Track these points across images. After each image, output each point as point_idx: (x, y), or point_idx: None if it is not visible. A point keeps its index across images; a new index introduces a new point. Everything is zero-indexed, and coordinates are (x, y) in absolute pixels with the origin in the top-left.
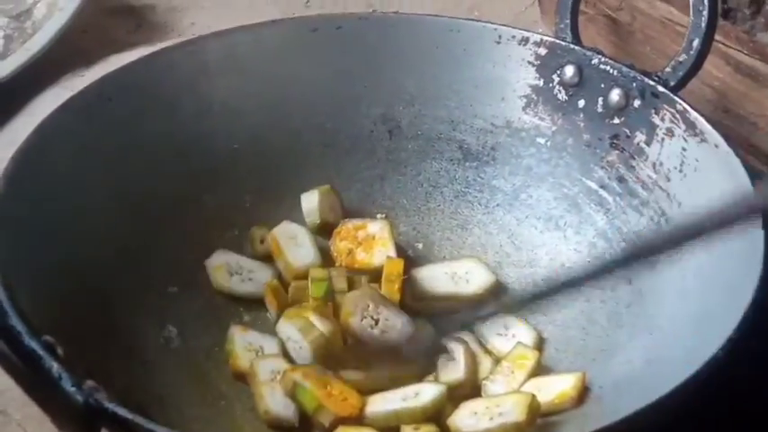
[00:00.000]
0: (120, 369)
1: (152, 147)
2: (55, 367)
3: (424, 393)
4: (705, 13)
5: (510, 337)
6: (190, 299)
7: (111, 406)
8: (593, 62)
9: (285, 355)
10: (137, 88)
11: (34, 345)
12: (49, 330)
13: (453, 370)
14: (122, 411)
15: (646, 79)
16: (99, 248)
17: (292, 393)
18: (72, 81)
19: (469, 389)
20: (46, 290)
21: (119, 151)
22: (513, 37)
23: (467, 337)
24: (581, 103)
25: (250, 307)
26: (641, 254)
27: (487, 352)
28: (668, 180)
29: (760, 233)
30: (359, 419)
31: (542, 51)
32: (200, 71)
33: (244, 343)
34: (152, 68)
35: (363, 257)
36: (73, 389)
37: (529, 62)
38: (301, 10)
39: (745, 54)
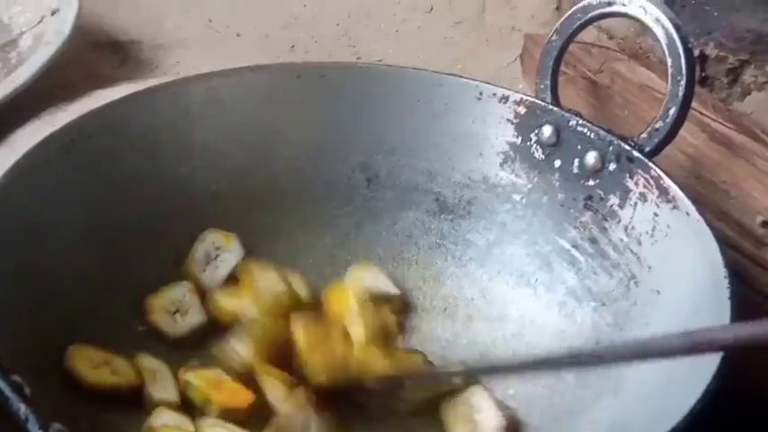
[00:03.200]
0: (87, 410)
1: (131, 186)
2: (22, 409)
3: None
4: (683, 82)
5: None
6: (158, 339)
7: None
8: (570, 124)
9: None
10: (117, 127)
11: (2, 385)
12: (17, 369)
13: None
14: None
15: (622, 144)
16: (71, 287)
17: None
18: (54, 115)
19: None
20: (15, 328)
21: (97, 189)
22: (494, 94)
23: None
24: (557, 162)
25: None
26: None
27: None
28: (639, 244)
29: (727, 303)
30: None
31: (521, 110)
32: (183, 112)
33: None
34: (134, 108)
35: None
36: None
37: (508, 120)
38: (286, 54)
39: (721, 123)
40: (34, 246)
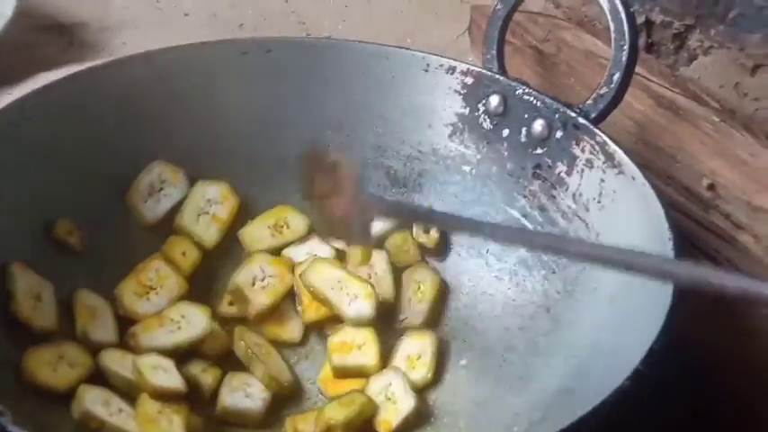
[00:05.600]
0: (33, 396)
1: (75, 166)
2: None
3: None
4: (626, 47)
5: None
6: None
7: (14, 430)
8: (517, 92)
9: None
10: (60, 107)
11: None
12: None
13: None
14: None
15: (567, 111)
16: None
17: None
18: None
19: None
20: None
21: (39, 170)
22: (441, 66)
23: None
24: (505, 132)
25: None
26: None
27: None
28: (587, 210)
29: (670, 256)
30: None
31: (469, 80)
32: (128, 91)
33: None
34: (77, 87)
35: None
36: None
37: (455, 91)
38: (235, 32)
39: (667, 88)
40: None
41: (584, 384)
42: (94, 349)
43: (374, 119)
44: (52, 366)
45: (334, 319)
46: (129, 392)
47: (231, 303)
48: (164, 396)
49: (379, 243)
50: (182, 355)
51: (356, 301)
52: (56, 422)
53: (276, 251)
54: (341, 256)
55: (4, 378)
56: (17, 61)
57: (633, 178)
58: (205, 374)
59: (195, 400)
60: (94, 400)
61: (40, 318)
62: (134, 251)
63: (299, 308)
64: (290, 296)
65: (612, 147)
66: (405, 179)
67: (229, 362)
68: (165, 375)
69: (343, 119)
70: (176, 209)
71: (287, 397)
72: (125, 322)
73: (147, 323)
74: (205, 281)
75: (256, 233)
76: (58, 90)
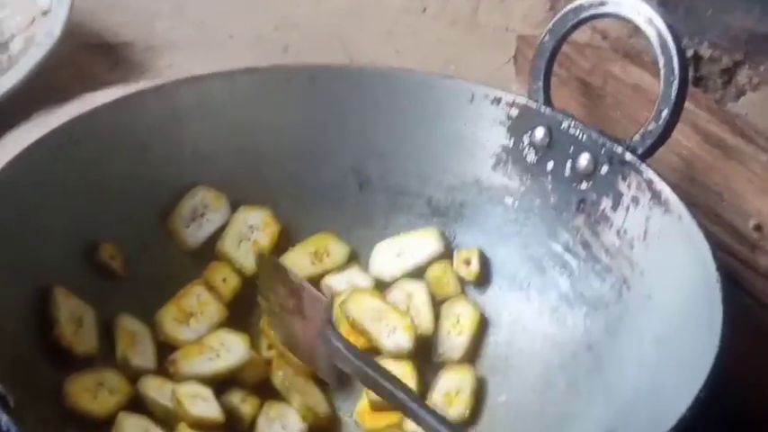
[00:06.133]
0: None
1: (119, 191)
2: (4, 420)
3: None
4: (675, 83)
5: None
6: None
7: None
8: (563, 126)
9: None
10: (106, 131)
11: None
12: (3, 379)
13: None
14: None
15: (614, 146)
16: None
17: None
18: (45, 118)
19: None
20: (1, 337)
21: (83, 194)
22: (486, 96)
23: None
24: (550, 165)
25: None
26: None
27: None
28: (631, 248)
29: (719, 307)
30: None
31: (514, 112)
32: (172, 116)
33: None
34: (123, 112)
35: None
36: None
37: (500, 122)
38: (279, 55)
39: (715, 124)
40: (20, 252)
41: (626, 428)
42: (134, 375)
43: (417, 148)
44: (92, 393)
45: (372, 351)
46: (168, 420)
47: (270, 347)
48: (202, 426)
49: (419, 274)
50: (220, 383)
51: (395, 333)
52: None
53: (316, 279)
54: (380, 287)
55: (45, 406)
56: (63, 80)
57: (680, 218)
58: (244, 404)
59: (234, 429)
60: (133, 429)
61: (81, 342)
62: (175, 276)
63: None
64: None
65: (660, 185)
66: (446, 209)
67: (267, 390)
68: (204, 404)
69: (386, 146)
70: (218, 234)
71: (324, 429)
72: (164, 348)
73: (187, 350)
74: (245, 307)
75: (297, 260)
76: (104, 115)
